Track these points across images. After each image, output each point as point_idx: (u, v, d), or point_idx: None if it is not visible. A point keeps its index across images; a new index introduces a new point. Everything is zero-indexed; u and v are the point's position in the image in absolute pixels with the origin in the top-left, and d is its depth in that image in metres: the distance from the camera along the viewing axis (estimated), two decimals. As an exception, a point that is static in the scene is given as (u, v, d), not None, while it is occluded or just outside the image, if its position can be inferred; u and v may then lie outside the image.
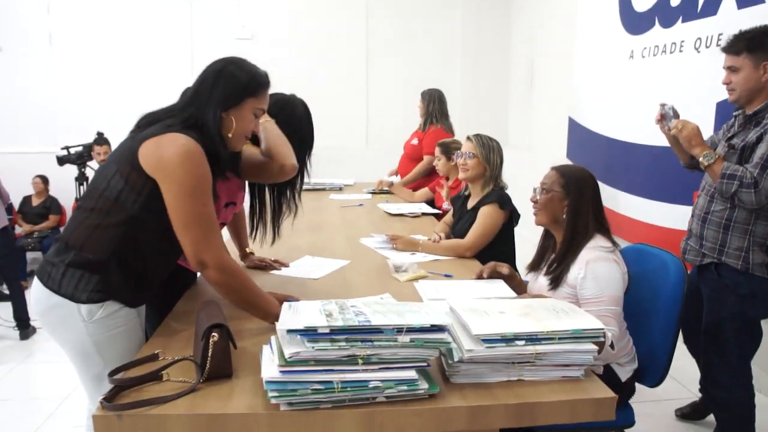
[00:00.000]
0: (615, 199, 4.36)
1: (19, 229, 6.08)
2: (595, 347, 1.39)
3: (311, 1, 7.10)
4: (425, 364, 1.30)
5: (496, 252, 2.69)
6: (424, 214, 3.74)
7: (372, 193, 4.57)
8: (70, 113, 6.65)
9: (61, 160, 5.60)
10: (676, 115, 2.43)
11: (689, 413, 2.88)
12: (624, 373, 1.99)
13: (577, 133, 5.19)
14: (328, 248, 2.80)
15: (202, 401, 1.30)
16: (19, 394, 3.43)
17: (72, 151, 5.61)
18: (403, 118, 5.90)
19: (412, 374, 1.28)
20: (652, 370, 2.04)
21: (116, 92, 6.63)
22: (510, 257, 2.86)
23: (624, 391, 1.97)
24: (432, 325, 1.29)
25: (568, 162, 5.15)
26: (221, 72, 1.72)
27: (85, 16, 6.80)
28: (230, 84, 1.70)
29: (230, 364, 1.40)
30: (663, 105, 2.46)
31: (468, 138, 2.98)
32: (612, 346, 1.68)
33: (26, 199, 6.28)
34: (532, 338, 1.37)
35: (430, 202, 4.11)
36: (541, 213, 2.09)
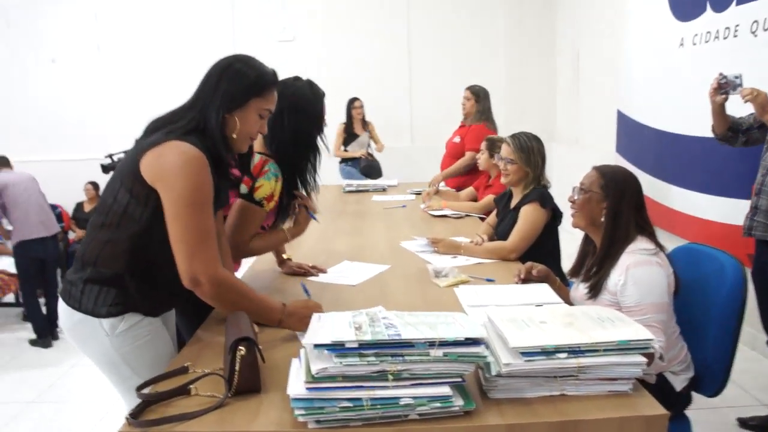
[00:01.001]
0: (667, 194, 4.18)
1: (73, 235, 6.25)
2: (644, 359, 1.29)
3: (352, 2, 7.08)
4: (460, 379, 1.23)
5: (540, 253, 2.59)
6: (467, 214, 3.65)
7: (416, 193, 4.49)
8: (118, 120, 6.79)
9: (106, 168, 5.71)
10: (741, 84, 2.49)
11: (756, 426, 2.71)
12: (679, 383, 1.87)
13: (627, 126, 5.00)
14: (367, 253, 2.74)
15: (229, 417, 1.26)
16: (74, 397, 3.51)
17: (115, 158, 5.71)
18: (447, 116, 5.80)
19: (445, 390, 1.21)
20: (710, 379, 1.91)
21: (161, 97, 6.67)
22: (555, 258, 2.75)
23: (679, 401, 1.85)
24: (467, 338, 1.22)
25: (618, 157, 4.98)
26: (226, 69, 1.66)
27: (130, 24, 6.96)
28: (235, 82, 1.64)
29: (258, 378, 1.36)
30: (722, 74, 2.51)
31: (506, 141, 2.87)
32: (661, 357, 1.57)
33: (79, 206, 6.46)
34: (575, 350, 1.28)
35: (474, 200, 4.01)
36: (578, 214, 1.99)
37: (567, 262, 2.73)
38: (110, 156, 5.65)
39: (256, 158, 2.04)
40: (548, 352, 1.27)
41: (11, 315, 5.10)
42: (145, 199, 1.57)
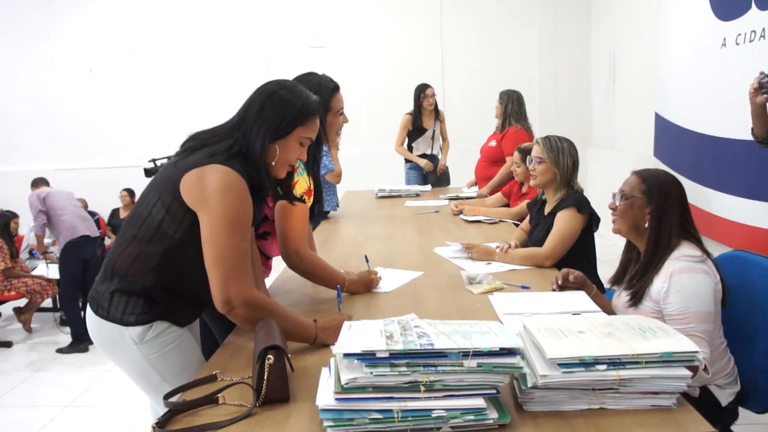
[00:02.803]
0: (707, 199, 4.06)
1: (109, 241, 6.35)
2: (689, 373, 1.22)
3: (385, 7, 7.07)
4: (494, 391, 1.18)
5: (575, 259, 2.51)
6: (501, 220, 3.58)
7: (450, 198, 4.43)
8: (153, 127, 6.91)
9: (149, 172, 5.79)
10: None
11: None
12: (725, 397, 1.79)
13: (665, 130, 4.88)
14: (400, 259, 2.70)
15: (257, 428, 1.23)
16: (109, 401, 3.54)
17: (158, 163, 5.80)
18: (480, 121, 5.75)
19: (479, 402, 1.16)
20: (759, 394, 1.82)
21: (196, 104, 6.83)
22: (591, 264, 2.67)
23: (725, 417, 1.77)
24: (501, 348, 1.17)
25: (656, 161, 4.86)
26: (271, 97, 1.65)
27: (164, 32, 7.07)
28: (280, 112, 1.63)
29: (287, 387, 1.33)
30: (764, 73, 2.39)
31: (536, 141, 2.81)
32: (706, 369, 1.50)
33: (114, 212, 6.57)
34: (615, 362, 1.22)
35: (505, 206, 3.94)
36: (620, 221, 1.92)
37: (602, 268, 2.67)
38: (153, 160, 5.76)
39: None
40: (587, 364, 1.22)
41: (49, 320, 5.19)
42: (181, 218, 1.57)
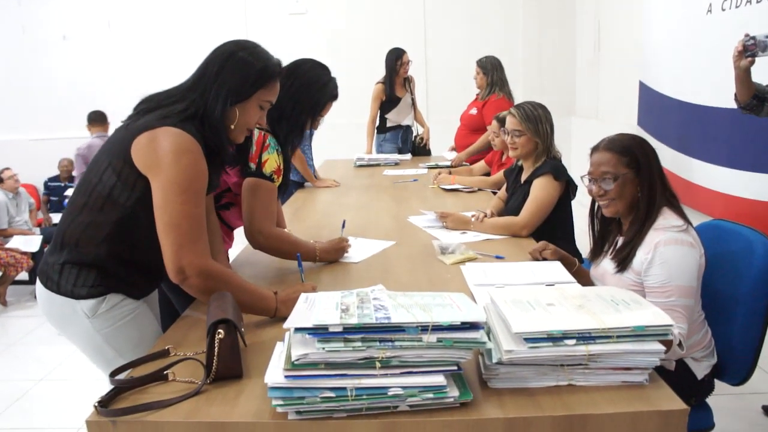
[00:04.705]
0: (690, 169, 4.00)
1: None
2: (662, 347, 1.16)
3: (366, -26, 6.88)
4: (455, 368, 1.11)
5: (552, 228, 2.46)
6: (479, 189, 3.51)
7: (430, 167, 4.34)
8: (129, 97, 6.69)
9: None
10: None
11: None
12: (701, 370, 1.73)
13: (649, 98, 4.80)
14: (373, 228, 2.62)
15: (205, 406, 1.16)
16: (83, 375, 3.41)
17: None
18: (463, 88, 5.60)
19: (439, 379, 1.09)
20: (735, 366, 1.77)
21: (173, 73, 6.60)
22: (568, 233, 2.61)
23: (701, 390, 1.72)
24: (463, 323, 1.10)
25: (640, 130, 4.80)
26: (231, 58, 1.55)
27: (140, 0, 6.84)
28: (241, 73, 1.54)
29: (240, 363, 1.25)
30: (749, 35, 2.31)
31: (510, 113, 2.70)
32: (680, 344, 1.44)
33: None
34: (585, 336, 1.15)
35: (487, 175, 3.86)
36: (617, 202, 1.78)
37: (579, 234, 2.60)
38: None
39: (255, 133, 1.95)
40: (555, 338, 1.15)
41: (24, 293, 5.08)
42: (133, 184, 1.48)
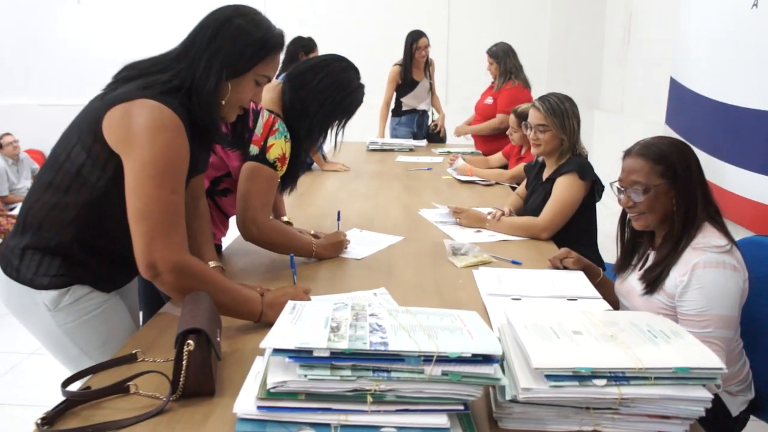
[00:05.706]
0: (722, 174, 3.77)
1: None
2: (709, 395, 0.97)
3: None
4: (462, 407, 0.94)
5: (575, 232, 2.26)
6: (497, 182, 3.31)
7: (445, 153, 4.14)
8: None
9: None
10: None
11: None
12: (736, 405, 1.54)
13: (680, 96, 4.55)
14: (380, 220, 2.45)
15: (167, 428, 0.99)
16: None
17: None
18: (485, 74, 5.40)
19: (442, 420, 0.92)
20: (775, 403, 1.58)
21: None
22: (591, 237, 2.41)
23: (735, 429, 1.54)
24: (475, 355, 0.92)
25: (668, 128, 4.57)
26: (226, 25, 1.34)
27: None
28: (238, 43, 1.34)
29: (211, 380, 1.08)
30: None
31: (534, 106, 2.45)
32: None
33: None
34: (618, 376, 0.97)
35: (504, 168, 3.66)
36: (648, 216, 1.59)
37: (603, 239, 2.41)
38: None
39: (265, 115, 1.77)
40: (582, 377, 0.96)
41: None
42: (104, 163, 1.29)
